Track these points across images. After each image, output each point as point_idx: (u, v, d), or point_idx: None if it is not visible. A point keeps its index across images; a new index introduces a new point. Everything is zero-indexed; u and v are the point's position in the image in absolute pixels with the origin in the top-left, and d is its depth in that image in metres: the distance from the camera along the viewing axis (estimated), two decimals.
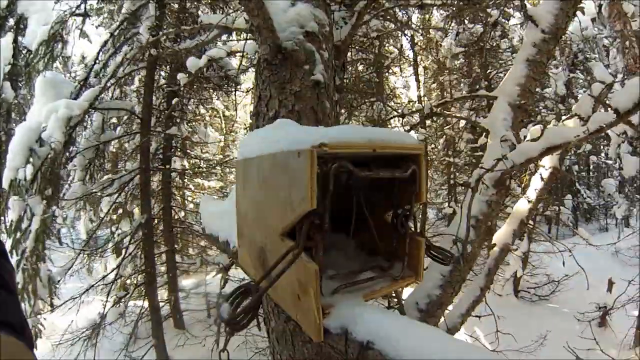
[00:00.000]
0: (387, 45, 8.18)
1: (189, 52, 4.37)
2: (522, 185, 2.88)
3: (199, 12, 5.64)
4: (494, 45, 8.40)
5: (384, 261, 0.99)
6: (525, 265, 7.48)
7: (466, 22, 8.30)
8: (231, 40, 4.57)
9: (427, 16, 7.76)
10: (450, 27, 8.56)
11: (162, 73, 6.71)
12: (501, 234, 2.72)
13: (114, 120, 6.46)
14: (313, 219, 0.69)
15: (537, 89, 2.55)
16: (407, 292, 2.15)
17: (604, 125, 1.64)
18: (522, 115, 2.43)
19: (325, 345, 0.78)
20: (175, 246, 7.89)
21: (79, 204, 5.96)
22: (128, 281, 6.66)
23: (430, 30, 7.91)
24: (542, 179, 2.45)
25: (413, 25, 6.17)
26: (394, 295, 1.94)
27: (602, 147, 9.52)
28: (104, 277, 5.96)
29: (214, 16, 2.83)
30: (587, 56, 8.76)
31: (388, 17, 4.09)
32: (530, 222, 3.35)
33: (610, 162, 10.20)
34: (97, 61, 4.39)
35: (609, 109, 1.63)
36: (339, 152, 0.70)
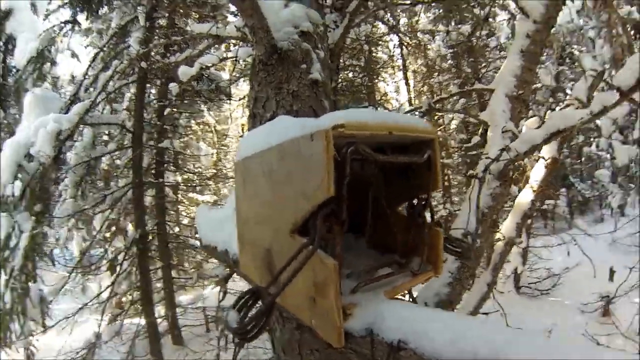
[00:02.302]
0: (375, 51, 8.25)
1: (179, 65, 4.33)
2: (524, 177, 2.85)
3: (187, 28, 5.62)
4: (482, 44, 8.48)
5: (400, 257, 0.94)
6: (525, 260, 7.47)
7: (453, 23, 8.40)
8: (218, 52, 4.54)
9: (414, 19, 7.82)
10: (438, 29, 8.64)
11: (152, 91, 6.67)
12: (505, 227, 2.68)
13: (105, 137, 6.39)
14: (329, 209, 0.63)
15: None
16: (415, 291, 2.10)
17: (608, 106, 1.61)
18: (520, 106, 2.41)
19: (346, 351, 0.70)
20: (171, 261, 7.76)
21: (71, 222, 5.84)
22: (124, 299, 6.51)
23: (418, 33, 7.97)
24: (545, 167, 2.41)
25: (401, 28, 6.20)
26: (406, 293, 1.88)
27: (592, 138, 9.63)
28: (98, 295, 5.82)
29: (205, 25, 2.78)
30: (574, 49, 8.88)
31: (378, 19, 4.09)
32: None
33: (602, 153, 10.30)
34: (87, 76, 4.32)
35: (611, 88, 1.61)
36: (355, 134, 0.65)
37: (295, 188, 0.70)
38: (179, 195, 9.49)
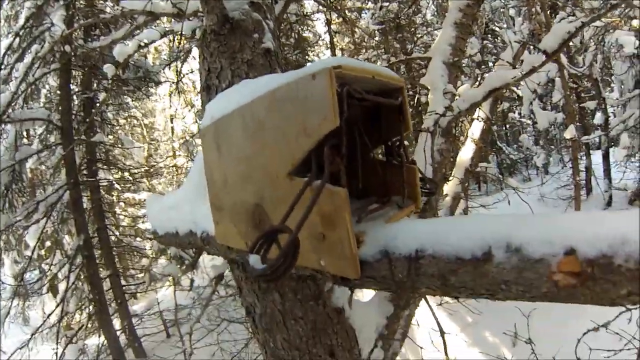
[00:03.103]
0: (302, 31, 8.31)
1: (104, 50, 4.02)
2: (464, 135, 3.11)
3: (110, 9, 5.18)
4: (409, 21, 8.86)
5: (379, 199, 1.01)
6: None
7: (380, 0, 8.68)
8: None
9: None
10: (366, 7, 8.87)
11: (73, 86, 6.10)
12: (450, 184, 2.93)
13: (24, 140, 5.76)
14: (334, 140, 0.68)
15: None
16: None
17: (536, 66, 1.83)
18: (456, 71, 2.62)
19: (363, 280, 0.71)
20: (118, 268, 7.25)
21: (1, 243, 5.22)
22: (77, 316, 6.02)
23: (346, 11, 8.15)
24: (484, 123, 2.65)
25: (332, 5, 6.27)
26: None
27: (515, 107, 10.62)
28: (48, 317, 5.29)
29: (137, 2, 2.59)
30: (496, 26, 9.64)
31: None
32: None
33: (524, 120, 11.41)
34: (3, 66, 3.83)
35: (537, 50, 1.83)
36: (346, 76, 0.70)
37: (291, 130, 0.73)
38: (114, 197, 8.90)
